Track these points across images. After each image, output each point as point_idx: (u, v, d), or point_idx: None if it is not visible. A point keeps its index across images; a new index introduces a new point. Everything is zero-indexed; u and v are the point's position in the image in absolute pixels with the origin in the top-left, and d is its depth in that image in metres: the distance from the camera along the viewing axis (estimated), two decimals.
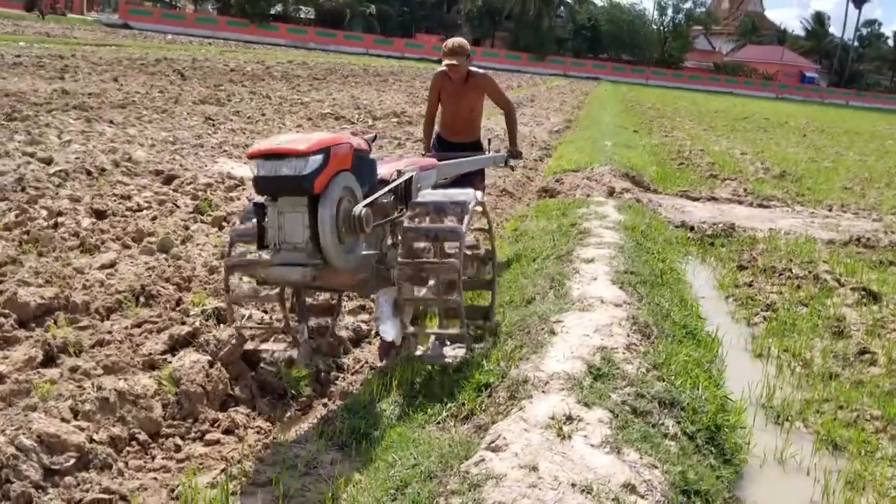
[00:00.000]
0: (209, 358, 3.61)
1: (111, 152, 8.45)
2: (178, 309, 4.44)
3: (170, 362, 3.64)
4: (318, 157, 3.10)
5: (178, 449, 3.17)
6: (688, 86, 63.83)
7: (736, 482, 3.16)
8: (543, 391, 3.19)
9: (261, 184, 3.16)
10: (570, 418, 2.98)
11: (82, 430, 2.96)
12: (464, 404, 3.37)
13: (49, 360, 3.63)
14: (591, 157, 11.48)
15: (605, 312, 4.09)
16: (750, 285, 6.01)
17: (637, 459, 2.81)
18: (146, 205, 6.55)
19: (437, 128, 6.02)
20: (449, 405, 3.39)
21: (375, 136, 3.96)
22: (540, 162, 12.49)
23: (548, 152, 13.64)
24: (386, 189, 3.70)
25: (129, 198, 6.67)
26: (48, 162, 7.54)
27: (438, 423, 3.29)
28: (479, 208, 4.00)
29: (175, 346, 3.91)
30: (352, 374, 4.07)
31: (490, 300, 4.20)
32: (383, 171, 3.88)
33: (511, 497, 2.55)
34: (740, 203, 9.74)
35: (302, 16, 65.88)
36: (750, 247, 7.18)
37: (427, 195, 3.89)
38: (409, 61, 50.25)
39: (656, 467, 2.81)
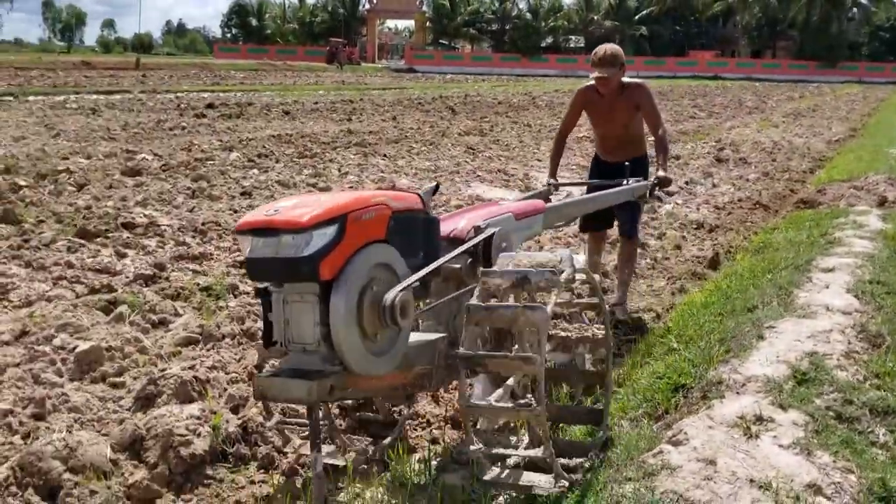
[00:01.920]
0: None
1: (379, 181, 9.43)
2: None
3: None
4: (329, 231, 2.37)
5: None
6: None
7: None
8: (737, 392, 3.15)
9: (252, 268, 2.49)
10: (760, 419, 2.93)
11: None
12: (659, 404, 3.42)
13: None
14: (868, 167, 10.53)
15: (826, 320, 3.88)
16: None
17: (829, 462, 2.70)
18: (456, 210, 7.25)
19: (595, 147, 5.39)
20: (644, 404, 3.46)
21: (437, 187, 3.15)
22: (809, 174, 11.67)
23: (820, 164, 12.69)
24: (441, 262, 2.80)
25: None
26: (325, 191, 8.64)
27: (632, 419, 3.37)
28: (582, 276, 2.90)
29: None
30: None
31: (603, 400, 3.18)
32: (455, 226, 3.12)
33: (683, 487, 2.59)
34: None
35: (572, 45, 66.95)
36: None
37: (506, 259, 2.86)
38: (682, 80, 48.90)
39: (851, 472, 2.67)
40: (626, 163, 4.78)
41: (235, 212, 7.63)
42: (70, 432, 3.05)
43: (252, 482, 3.03)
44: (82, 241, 6.20)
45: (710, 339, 3.98)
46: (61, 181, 8.53)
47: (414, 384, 2.91)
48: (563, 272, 2.69)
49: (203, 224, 7.00)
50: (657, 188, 4.88)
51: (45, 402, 3.34)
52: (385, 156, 11.95)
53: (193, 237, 6.61)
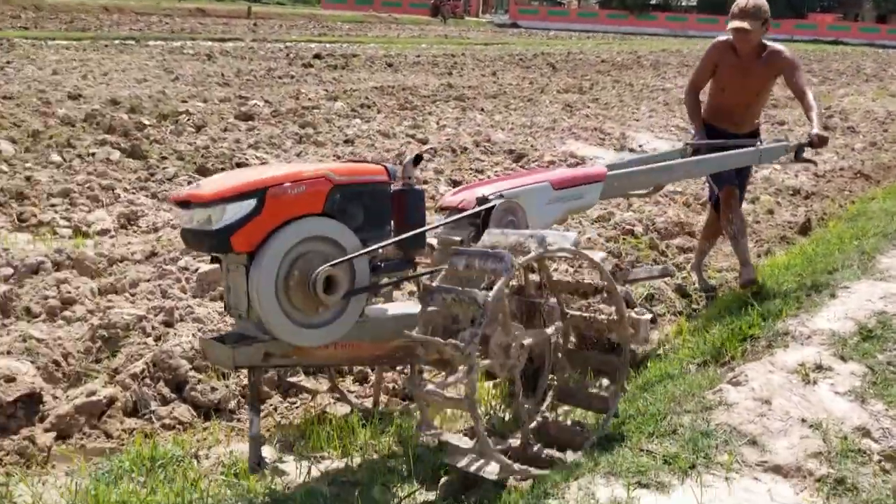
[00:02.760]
0: None
1: (475, 135, 9.69)
2: None
3: None
4: (243, 205, 2.42)
5: None
6: None
7: None
8: (802, 343, 3.33)
9: (182, 237, 2.64)
10: (819, 367, 3.11)
11: None
12: (727, 352, 3.61)
13: None
14: None
15: None
16: None
17: (881, 410, 2.87)
18: (495, 177, 7.53)
19: (706, 114, 4.73)
20: (713, 352, 3.66)
21: (419, 157, 2.97)
22: None
23: None
24: (405, 237, 2.77)
25: (482, 171, 7.73)
26: (423, 142, 8.97)
27: (699, 364, 3.58)
28: (564, 255, 2.76)
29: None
30: None
31: (615, 384, 2.97)
32: (465, 196, 3.07)
33: (737, 421, 2.82)
34: None
35: (683, 3, 64.66)
36: None
37: (486, 237, 2.74)
38: (799, 44, 46.65)
39: None
40: (740, 135, 4.48)
41: (338, 157, 8.05)
42: (195, 337, 3.51)
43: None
44: (200, 177, 6.75)
45: (785, 297, 4.12)
46: (181, 122, 9.16)
47: (395, 357, 2.89)
48: (528, 253, 2.55)
49: None
50: (808, 148, 4.39)
51: (173, 311, 3.83)
52: (482, 110, 12.17)
53: (498, 179, 7.11)
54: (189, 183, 6.52)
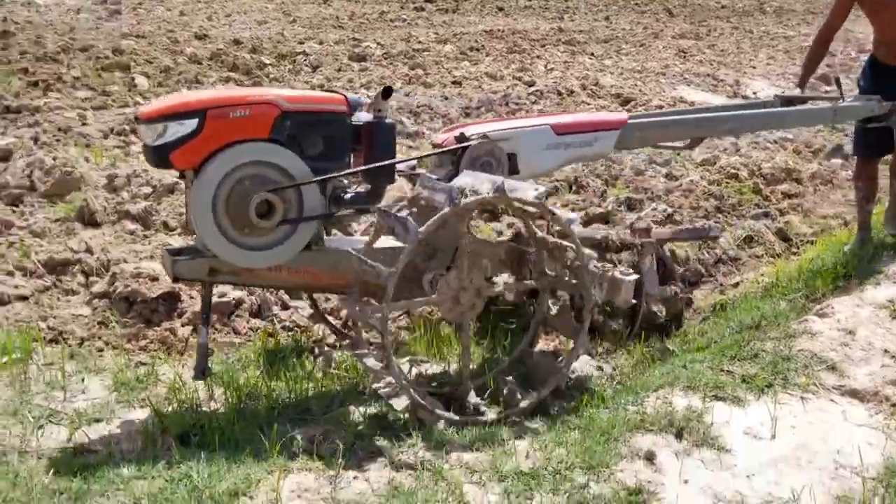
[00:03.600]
0: None
1: (583, 79, 9.67)
2: (601, 196, 5.35)
3: None
4: (186, 124, 2.48)
5: None
6: None
7: None
8: (894, 282, 3.35)
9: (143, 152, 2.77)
10: None
11: None
12: (819, 289, 3.67)
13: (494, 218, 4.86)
14: None
15: None
16: None
17: None
18: (499, 118, 7.55)
19: (872, 48, 4.36)
20: (805, 289, 3.71)
21: (389, 90, 2.83)
22: None
23: None
24: (362, 168, 2.75)
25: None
26: (530, 85, 9.06)
27: (790, 300, 3.65)
28: (526, 206, 2.67)
29: (589, 221, 4.82)
30: None
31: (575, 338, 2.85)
32: (449, 135, 3.07)
33: (819, 348, 2.93)
34: None
35: None
36: None
37: (463, 176, 2.79)
38: None
39: None
40: None
41: (446, 98, 8.27)
42: None
43: None
44: None
45: (884, 242, 4.10)
46: (298, 62, 9.57)
47: (366, 290, 2.76)
48: (456, 203, 2.52)
49: (417, 107, 7.71)
50: None
51: None
52: (592, 55, 12.06)
53: (408, 118, 7.33)
54: None
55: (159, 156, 2.54)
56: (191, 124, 2.48)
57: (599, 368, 3.10)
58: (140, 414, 2.67)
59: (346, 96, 2.76)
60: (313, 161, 2.67)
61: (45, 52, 8.75)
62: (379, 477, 2.28)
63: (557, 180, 5.59)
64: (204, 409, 2.72)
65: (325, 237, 2.89)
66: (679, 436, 2.48)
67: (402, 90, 8.58)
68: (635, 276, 2.90)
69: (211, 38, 10.82)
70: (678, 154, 6.28)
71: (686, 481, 2.29)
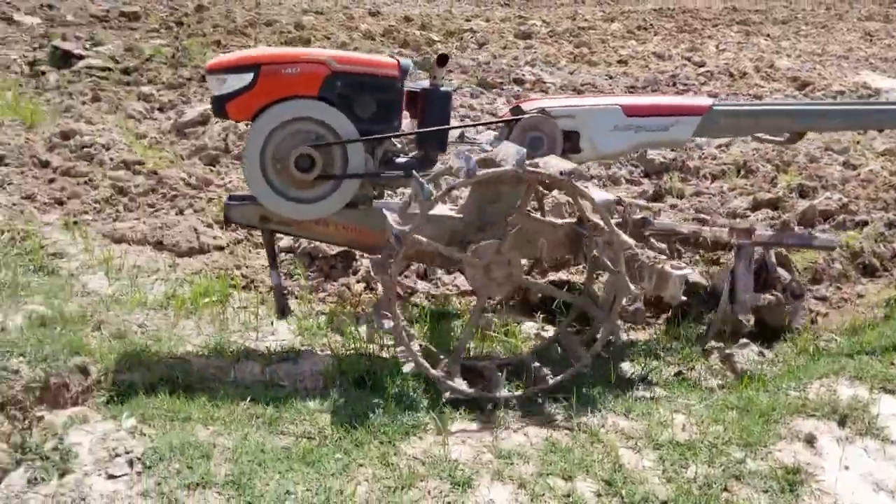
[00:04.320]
0: None
1: (757, 60, 9.30)
2: (771, 182, 5.20)
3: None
4: (240, 77, 2.64)
5: None
6: None
7: None
8: None
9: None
10: None
11: None
12: None
13: (658, 198, 4.85)
14: None
15: None
16: None
17: None
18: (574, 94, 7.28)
19: None
20: None
21: (444, 56, 2.85)
22: None
23: None
24: (402, 134, 2.82)
25: (759, 98, 7.49)
26: (700, 65, 8.81)
27: None
28: (553, 183, 2.58)
29: (757, 206, 4.71)
30: None
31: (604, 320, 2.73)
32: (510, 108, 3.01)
33: None
34: None
35: None
36: None
37: (503, 146, 2.72)
38: None
39: None
40: None
41: (611, 77, 8.21)
42: None
43: None
44: (482, 90, 7.29)
45: None
46: (465, 39, 9.79)
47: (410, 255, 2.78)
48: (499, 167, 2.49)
49: (581, 85, 7.72)
50: None
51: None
52: (768, 36, 11.53)
53: (570, 97, 7.36)
54: (472, 95, 7.09)
55: (218, 105, 2.71)
56: (246, 78, 2.63)
57: (761, 354, 3.07)
58: (321, 357, 2.94)
59: (398, 61, 2.81)
60: (362, 123, 2.75)
61: (235, 26, 9.45)
62: (537, 433, 2.42)
63: (725, 163, 5.48)
64: (376, 357, 2.95)
65: (374, 199, 2.95)
66: (842, 423, 2.45)
67: (566, 68, 8.61)
68: (687, 271, 2.78)
69: (383, 14, 11.25)
70: (858, 142, 5.98)
71: (847, 467, 2.28)
